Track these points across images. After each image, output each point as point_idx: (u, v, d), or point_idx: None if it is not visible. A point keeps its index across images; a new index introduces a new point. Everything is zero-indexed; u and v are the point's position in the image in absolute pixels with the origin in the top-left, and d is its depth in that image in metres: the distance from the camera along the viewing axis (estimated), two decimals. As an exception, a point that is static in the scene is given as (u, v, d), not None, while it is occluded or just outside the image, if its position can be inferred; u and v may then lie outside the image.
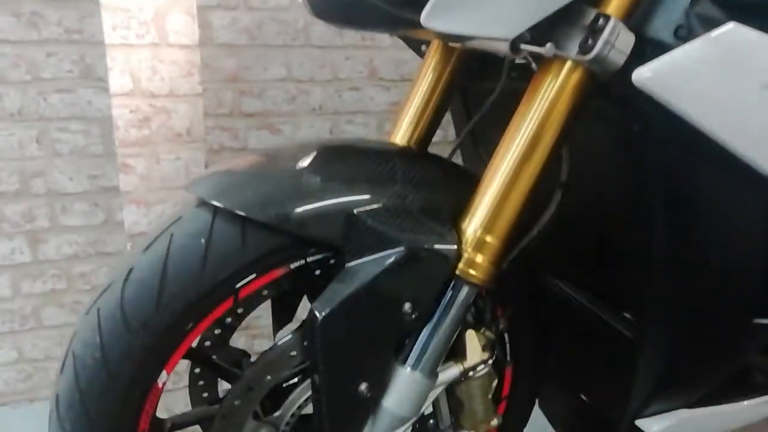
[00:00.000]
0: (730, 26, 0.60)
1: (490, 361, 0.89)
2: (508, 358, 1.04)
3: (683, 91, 0.58)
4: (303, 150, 0.82)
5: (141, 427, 0.78)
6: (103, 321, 0.75)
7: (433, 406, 0.93)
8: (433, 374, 0.82)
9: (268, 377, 0.82)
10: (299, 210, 0.75)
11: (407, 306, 0.78)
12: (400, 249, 0.75)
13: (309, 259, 0.81)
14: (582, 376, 1.15)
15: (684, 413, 0.98)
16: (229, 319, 0.95)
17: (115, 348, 0.74)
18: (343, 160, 0.82)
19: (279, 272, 0.80)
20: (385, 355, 0.80)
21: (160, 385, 0.78)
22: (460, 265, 0.79)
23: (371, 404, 0.81)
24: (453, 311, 0.80)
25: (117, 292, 0.75)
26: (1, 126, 1.54)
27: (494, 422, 0.93)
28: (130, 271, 0.76)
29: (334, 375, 0.78)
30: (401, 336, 0.80)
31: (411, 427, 0.94)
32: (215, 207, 0.76)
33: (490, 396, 0.91)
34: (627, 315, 0.99)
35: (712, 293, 0.85)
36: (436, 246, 0.76)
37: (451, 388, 0.89)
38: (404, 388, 0.81)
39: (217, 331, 0.95)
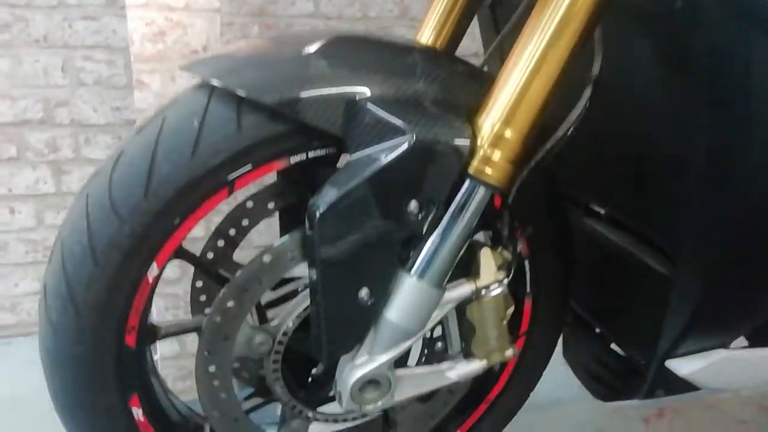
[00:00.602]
0: None
1: (506, 281, 0.82)
2: (528, 289, 0.97)
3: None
4: (315, 37, 0.76)
5: (130, 324, 0.75)
6: (90, 206, 0.71)
7: (443, 329, 0.87)
8: (439, 285, 0.76)
9: (264, 279, 0.77)
10: (300, 94, 0.69)
11: (413, 205, 0.71)
12: (408, 138, 0.68)
13: (311, 155, 0.75)
14: (610, 319, 1.07)
15: (722, 353, 0.89)
16: (232, 231, 0.91)
17: (103, 234, 0.70)
18: (356, 49, 0.76)
19: (277, 166, 0.74)
20: (389, 260, 0.74)
21: (150, 280, 0.74)
22: (475, 163, 0.72)
23: (372, 313, 0.76)
24: (465, 216, 0.74)
25: (106, 176, 0.71)
26: (27, 51, 1.52)
27: (509, 353, 0.86)
28: (121, 154, 0.72)
29: (333, 277, 0.73)
30: (407, 240, 0.74)
31: (421, 347, 0.88)
32: (212, 88, 0.71)
33: (504, 323, 0.85)
34: (662, 247, 0.91)
35: (758, 214, 0.76)
36: (447, 138, 0.69)
37: (462, 309, 0.83)
38: (408, 297, 0.75)
39: (220, 243, 0.91)
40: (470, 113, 0.73)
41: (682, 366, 0.90)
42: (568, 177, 0.98)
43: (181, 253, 0.81)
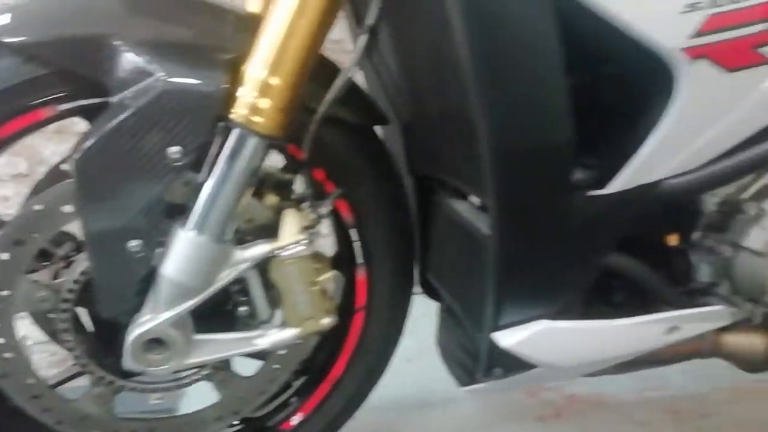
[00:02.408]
0: None
1: (305, 242, 0.79)
2: (360, 260, 0.94)
3: None
4: None
5: None
6: None
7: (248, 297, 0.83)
8: (219, 239, 0.74)
9: (40, 231, 0.75)
10: (49, 35, 0.68)
11: (174, 150, 0.70)
12: (157, 82, 0.67)
13: (81, 103, 0.74)
14: (458, 297, 1.03)
15: (543, 324, 0.85)
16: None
17: None
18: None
19: (43, 114, 0.73)
20: (158, 210, 0.72)
21: None
22: (240, 111, 0.70)
23: (145, 266, 0.73)
24: (237, 165, 0.72)
25: None
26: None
27: (324, 321, 0.83)
28: None
29: (99, 227, 0.71)
30: (181, 191, 0.72)
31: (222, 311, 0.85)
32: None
33: (316, 289, 0.82)
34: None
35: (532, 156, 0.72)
36: (199, 82, 0.68)
37: (266, 275, 0.80)
38: (183, 251, 0.73)
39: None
40: (236, 60, 0.71)
41: (505, 338, 0.85)
42: (414, 155, 0.95)
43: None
